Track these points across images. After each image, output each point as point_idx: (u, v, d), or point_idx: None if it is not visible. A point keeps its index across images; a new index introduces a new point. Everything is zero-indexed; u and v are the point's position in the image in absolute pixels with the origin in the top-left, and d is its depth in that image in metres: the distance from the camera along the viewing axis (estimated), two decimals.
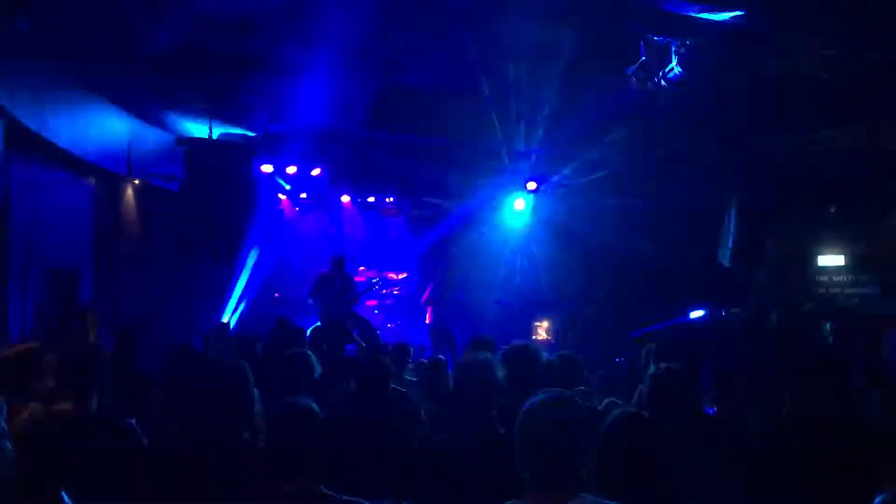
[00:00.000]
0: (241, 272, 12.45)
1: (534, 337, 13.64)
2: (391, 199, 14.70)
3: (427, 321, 12.88)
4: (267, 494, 2.78)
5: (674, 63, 7.79)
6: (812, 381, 3.73)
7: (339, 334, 7.46)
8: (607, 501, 2.25)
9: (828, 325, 9.48)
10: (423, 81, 9.93)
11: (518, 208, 14.35)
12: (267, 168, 12.62)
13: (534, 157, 13.47)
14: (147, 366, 6.48)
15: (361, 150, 12.89)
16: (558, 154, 13.39)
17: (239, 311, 12.67)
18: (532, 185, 14.69)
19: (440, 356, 6.37)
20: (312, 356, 4.66)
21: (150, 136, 10.96)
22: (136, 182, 10.79)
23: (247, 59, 8.33)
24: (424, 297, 13.11)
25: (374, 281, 12.59)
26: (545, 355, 4.29)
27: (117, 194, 10.50)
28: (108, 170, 10.03)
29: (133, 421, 3.83)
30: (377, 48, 8.37)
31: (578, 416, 2.29)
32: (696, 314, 11.21)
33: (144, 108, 10.51)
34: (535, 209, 14.96)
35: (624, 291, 13.61)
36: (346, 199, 14.70)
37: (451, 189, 14.35)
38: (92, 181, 10.10)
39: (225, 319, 11.97)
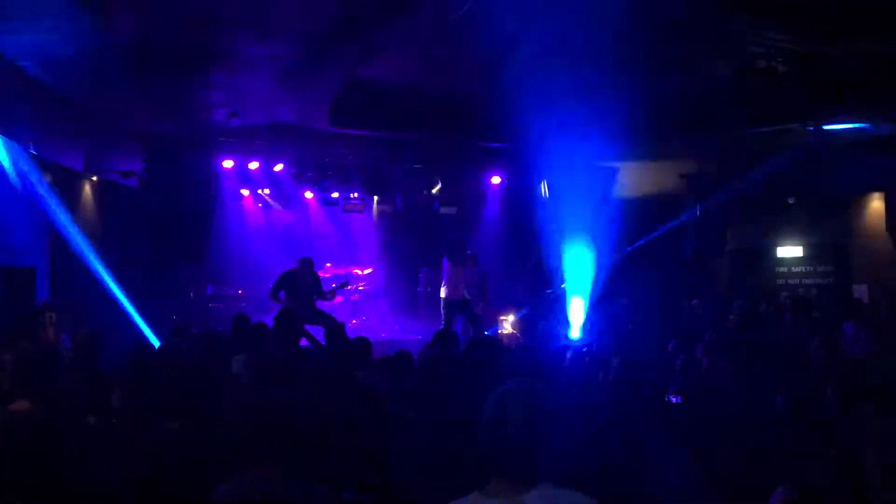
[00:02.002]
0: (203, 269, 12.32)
1: (500, 331, 13.68)
2: (356, 194, 14.63)
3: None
4: (231, 483, 2.75)
5: None
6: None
7: (296, 328, 7.36)
8: (568, 491, 2.27)
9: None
10: (388, 76, 9.89)
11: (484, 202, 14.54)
12: (228, 163, 12.50)
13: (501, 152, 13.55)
14: (107, 365, 6.37)
15: (325, 146, 12.82)
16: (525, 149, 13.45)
17: None
18: (496, 180, 14.81)
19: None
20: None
21: (108, 132, 10.79)
22: (94, 179, 10.60)
23: (207, 53, 8.22)
24: None
25: (344, 280, 12.49)
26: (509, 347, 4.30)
27: (75, 191, 10.31)
28: (66, 166, 9.84)
29: (91, 420, 3.77)
30: (340, 42, 8.31)
31: (541, 406, 2.30)
32: None
33: (101, 102, 10.34)
34: (503, 203, 15.09)
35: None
36: (309, 195, 14.61)
37: (417, 184, 14.40)
38: (48, 178, 9.91)
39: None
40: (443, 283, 11.45)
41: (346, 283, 12.41)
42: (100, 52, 7.95)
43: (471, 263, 11.84)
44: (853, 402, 3.09)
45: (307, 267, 10.89)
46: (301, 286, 10.66)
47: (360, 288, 14.84)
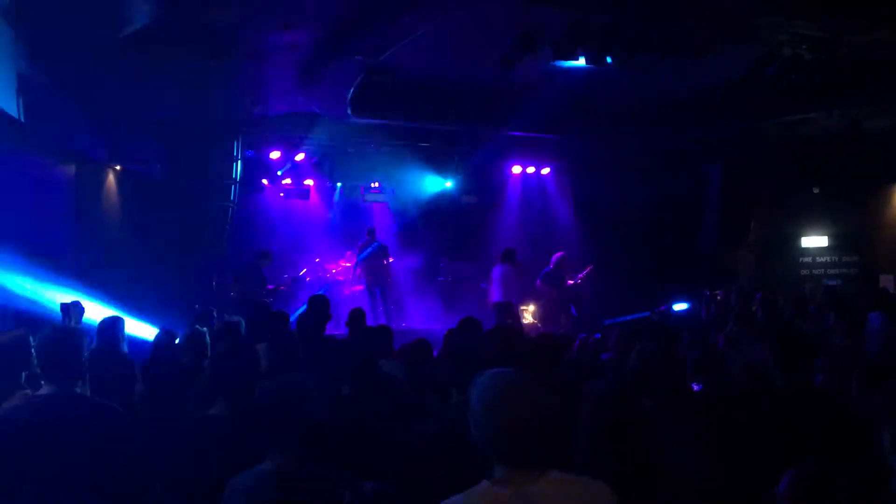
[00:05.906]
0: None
1: (521, 320, 13.64)
2: (376, 184, 14.63)
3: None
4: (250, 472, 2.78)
5: None
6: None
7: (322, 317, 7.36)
8: (576, 476, 2.28)
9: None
10: (410, 63, 9.86)
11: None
12: (249, 153, 12.56)
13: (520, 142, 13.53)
14: (130, 351, 6.43)
15: (346, 135, 12.81)
16: (543, 140, 13.43)
17: None
18: (517, 169, 14.80)
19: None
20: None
21: (131, 122, 10.86)
22: (117, 168, 10.68)
23: (229, 41, 8.24)
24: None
25: (301, 272, 12.90)
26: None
27: (98, 181, 10.39)
28: (89, 156, 9.93)
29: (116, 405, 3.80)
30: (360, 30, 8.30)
31: (535, 392, 2.32)
32: (680, 307, 11.18)
33: (124, 93, 10.40)
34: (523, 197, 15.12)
35: (608, 277, 13.61)
36: (329, 184, 14.62)
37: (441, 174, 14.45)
38: (73, 168, 9.99)
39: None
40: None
41: (304, 270, 12.82)
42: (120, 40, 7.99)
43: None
44: (877, 391, 3.05)
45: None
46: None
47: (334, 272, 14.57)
